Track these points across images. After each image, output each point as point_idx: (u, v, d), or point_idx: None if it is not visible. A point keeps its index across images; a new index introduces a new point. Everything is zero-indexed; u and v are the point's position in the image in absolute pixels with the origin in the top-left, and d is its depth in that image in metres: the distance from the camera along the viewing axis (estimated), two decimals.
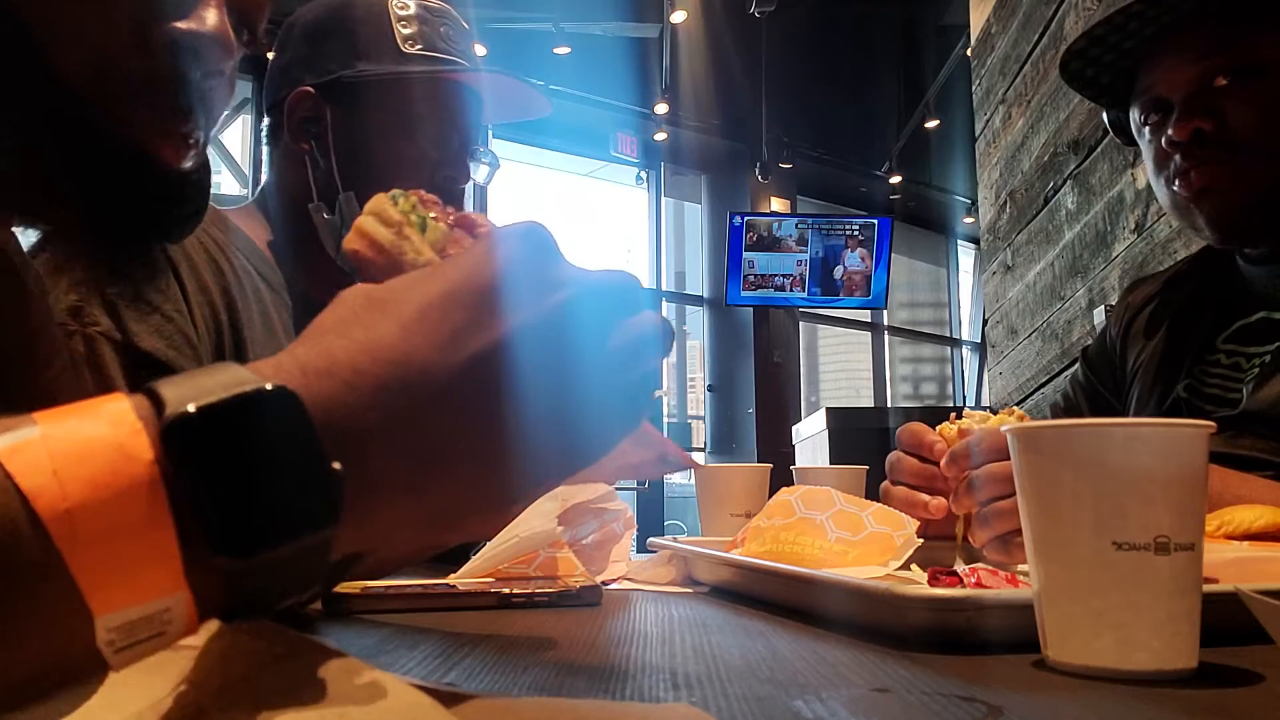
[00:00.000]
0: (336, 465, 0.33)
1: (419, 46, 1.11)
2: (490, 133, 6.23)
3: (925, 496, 0.93)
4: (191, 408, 0.31)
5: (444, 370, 0.38)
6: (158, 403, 0.31)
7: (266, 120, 1.19)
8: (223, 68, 0.60)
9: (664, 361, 0.46)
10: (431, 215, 0.53)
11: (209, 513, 0.30)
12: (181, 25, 0.57)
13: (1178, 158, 1.09)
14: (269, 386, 0.32)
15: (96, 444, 0.30)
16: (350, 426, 0.35)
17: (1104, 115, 1.27)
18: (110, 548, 0.29)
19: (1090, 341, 1.43)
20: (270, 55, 1.17)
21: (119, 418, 0.31)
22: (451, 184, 1.16)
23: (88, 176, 0.56)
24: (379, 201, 0.53)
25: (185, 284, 0.96)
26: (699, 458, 7.25)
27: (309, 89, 1.11)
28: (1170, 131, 1.08)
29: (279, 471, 0.32)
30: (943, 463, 0.89)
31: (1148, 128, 1.14)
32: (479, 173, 1.20)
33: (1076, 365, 1.39)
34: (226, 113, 0.65)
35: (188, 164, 0.60)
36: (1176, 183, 1.10)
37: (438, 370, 0.38)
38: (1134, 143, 1.20)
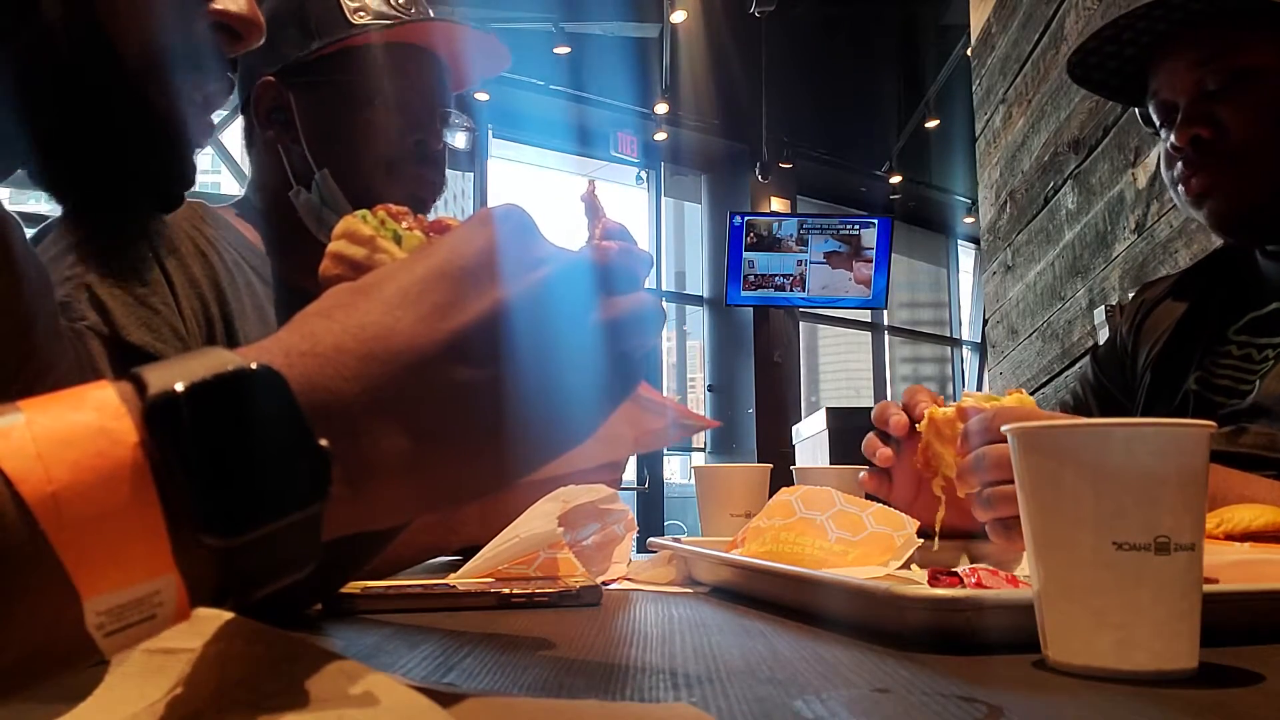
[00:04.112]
0: (324, 442, 0.33)
1: (368, 16, 1.12)
2: (491, 133, 6.26)
3: (877, 443, 0.98)
4: (175, 388, 0.31)
5: (428, 343, 0.38)
6: (141, 387, 0.31)
7: (242, 122, 1.20)
8: (250, 48, 0.65)
9: (664, 361, 0.46)
10: (405, 225, 0.53)
11: (194, 493, 0.30)
12: (217, 6, 0.62)
13: (1180, 162, 1.12)
14: (252, 366, 0.33)
15: (81, 428, 0.30)
16: (336, 403, 0.35)
17: (1111, 106, 1.31)
18: (97, 530, 0.29)
19: (1096, 341, 1.44)
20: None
21: (103, 402, 0.31)
22: (423, 149, 1.16)
23: (120, 144, 0.60)
24: (347, 223, 0.53)
25: (173, 278, 0.97)
26: (699, 458, 7.24)
27: (270, 79, 1.13)
28: (1172, 137, 1.11)
29: (264, 449, 0.32)
30: (958, 443, 0.89)
31: (1162, 128, 1.17)
32: (456, 139, 1.20)
33: (1086, 363, 1.40)
34: (225, 113, 0.73)
35: (204, 141, 0.64)
36: (1180, 185, 1.13)
37: (422, 343, 0.38)
38: None
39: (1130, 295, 2.31)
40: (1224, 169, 1.09)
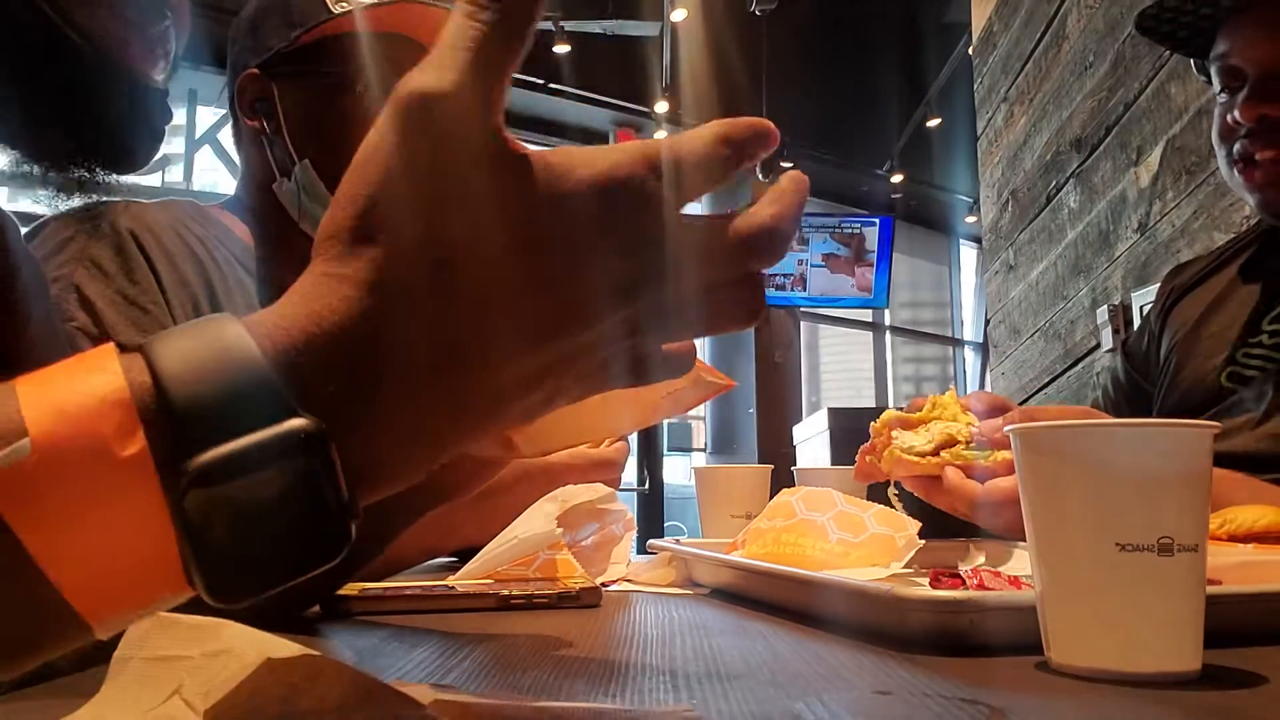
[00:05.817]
0: (345, 491, 0.33)
1: (346, 4, 1.11)
2: None
3: None
4: (217, 455, 0.30)
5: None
6: (162, 394, 0.31)
7: (230, 119, 1.19)
8: None
9: None
10: None
11: (205, 571, 0.31)
12: None
13: (1244, 140, 1.08)
14: (301, 426, 0.31)
15: (94, 482, 0.29)
16: (341, 332, 0.34)
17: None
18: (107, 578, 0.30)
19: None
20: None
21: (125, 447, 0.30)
22: None
23: (64, 89, 0.56)
24: None
25: (163, 277, 0.96)
26: (699, 459, 7.24)
27: (254, 71, 1.12)
28: (1236, 111, 1.07)
29: (292, 528, 0.32)
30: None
31: (1223, 93, 1.12)
32: None
33: (1115, 358, 1.37)
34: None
35: (159, 76, 0.60)
36: (1239, 165, 1.09)
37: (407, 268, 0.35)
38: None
39: (1131, 295, 2.31)
40: None
